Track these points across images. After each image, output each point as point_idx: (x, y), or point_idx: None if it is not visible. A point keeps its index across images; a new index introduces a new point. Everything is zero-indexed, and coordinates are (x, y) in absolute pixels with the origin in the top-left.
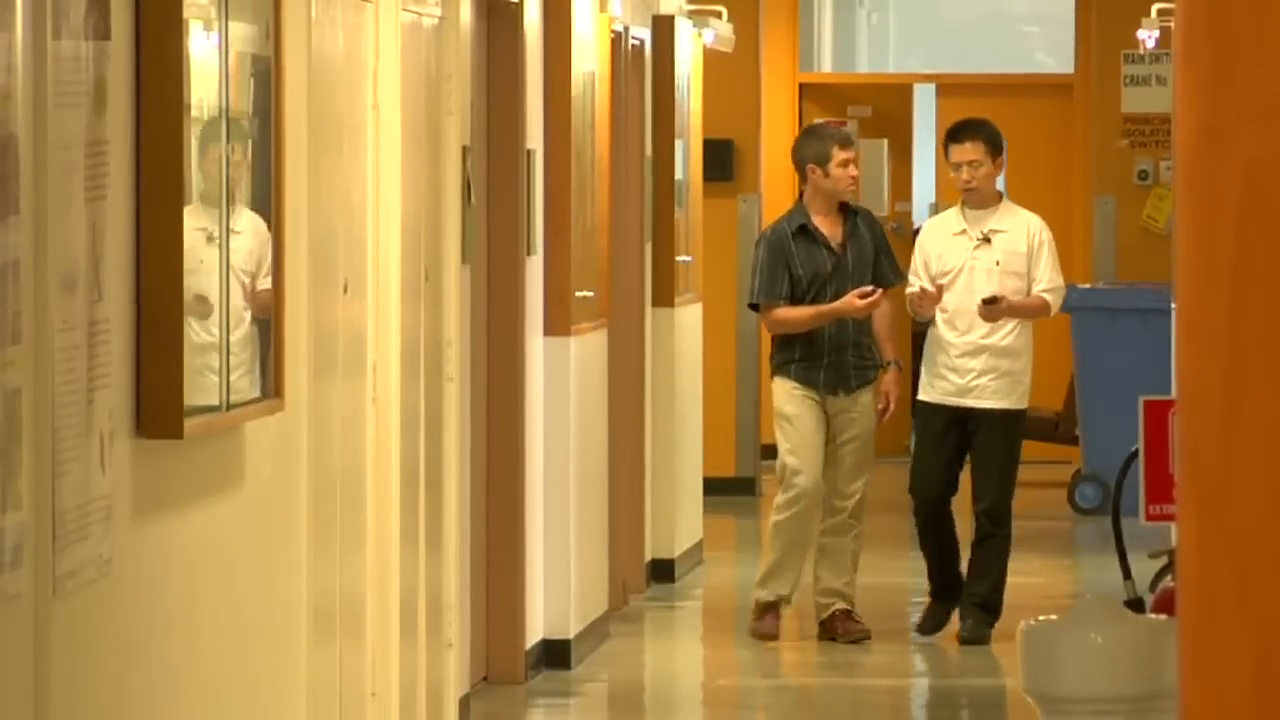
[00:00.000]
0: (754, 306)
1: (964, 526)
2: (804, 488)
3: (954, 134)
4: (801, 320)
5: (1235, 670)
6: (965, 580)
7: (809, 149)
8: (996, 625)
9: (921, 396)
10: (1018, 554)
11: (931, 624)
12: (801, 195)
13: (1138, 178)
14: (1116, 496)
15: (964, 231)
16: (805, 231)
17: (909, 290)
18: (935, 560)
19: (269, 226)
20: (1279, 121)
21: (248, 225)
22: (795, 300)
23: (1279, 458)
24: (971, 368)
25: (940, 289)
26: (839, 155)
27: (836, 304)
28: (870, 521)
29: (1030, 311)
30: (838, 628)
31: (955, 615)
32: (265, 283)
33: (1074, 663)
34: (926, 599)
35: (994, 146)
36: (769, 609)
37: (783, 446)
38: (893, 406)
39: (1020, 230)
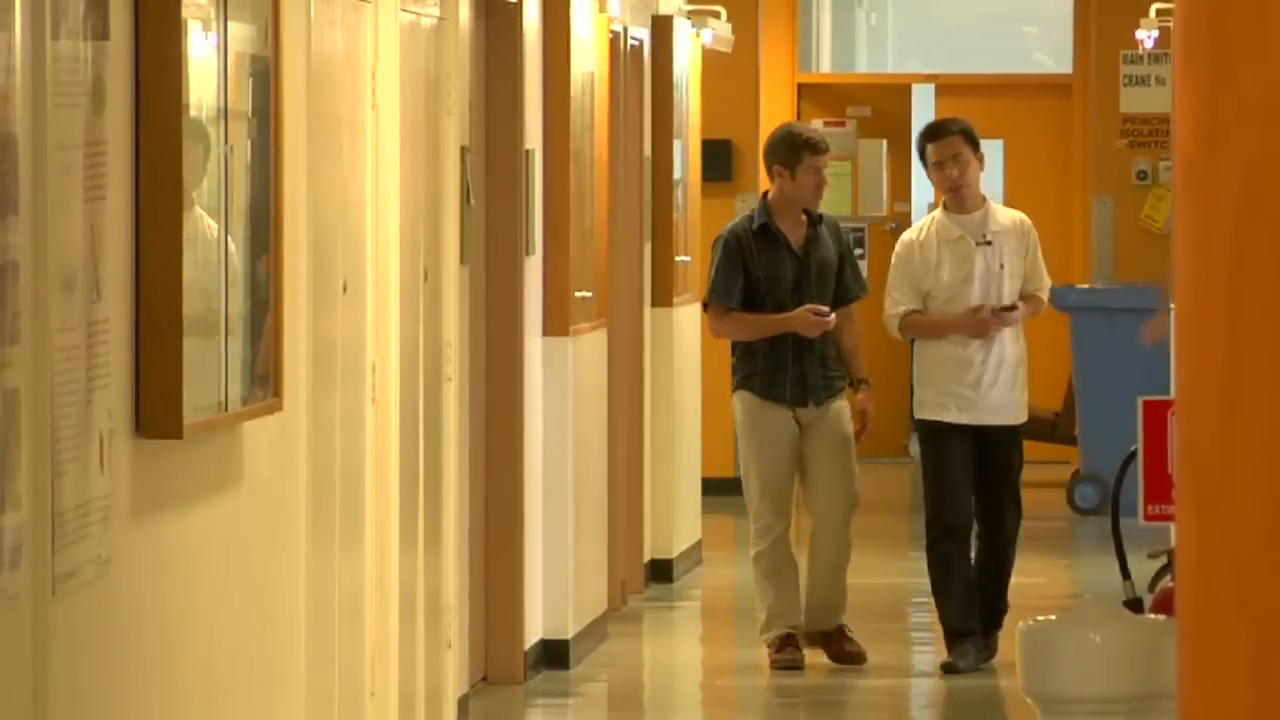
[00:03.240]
0: (705, 307)
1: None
2: (770, 523)
3: (932, 133)
4: (750, 327)
5: (1234, 670)
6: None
7: (778, 150)
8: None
9: (930, 417)
10: (1017, 554)
11: (976, 660)
12: (766, 195)
13: (1136, 178)
14: (1115, 497)
15: (961, 237)
16: (767, 232)
17: (894, 311)
18: (964, 595)
19: (270, 226)
20: (1277, 122)
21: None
22: (754, 304)
23: (1277, 457)
24: (995, 382)
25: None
26: (808, 161)
27: (788, 315)
28: (870, 521)
29: (1031, 315)
30: (833, 647)
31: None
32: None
33: (1073, 663)
34: (939, 633)
35: (974, 142)
36: (785, 641)
37: (749, 483)
38: (869, 426)
39: (1015, 229)
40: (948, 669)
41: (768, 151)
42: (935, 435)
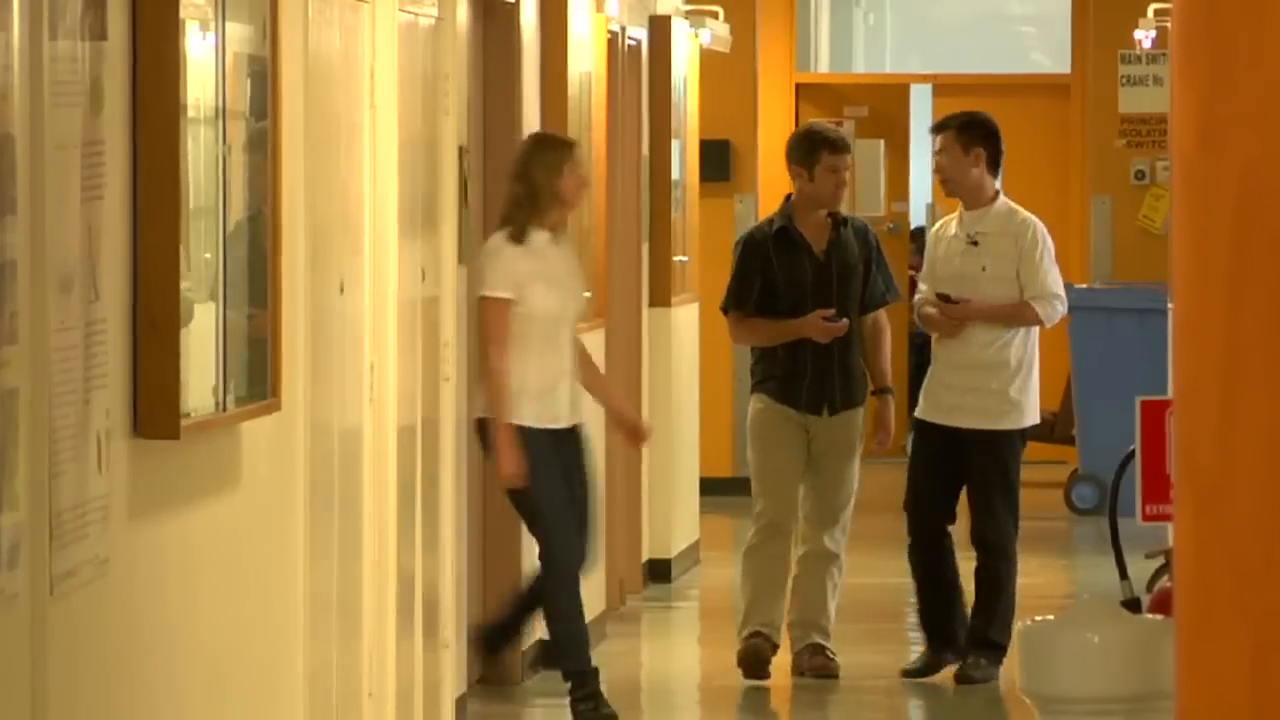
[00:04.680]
0: (726, 310)
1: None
2: (771, 520)
3: (934, 126)
4: (763, 333)
5: (1232, 669)
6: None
7: (796, 149)
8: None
9: (916, 413)
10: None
11: (922, 668)
12: (789, 197)
13: (1134, 178)
14: (1113, 497)
15: (956, 235)
16: (787, 235)
17: (918, 296)
18: (929, 597)
19: (268, 226)
20: (1275, 122)
21: None
22: (772, 308)
23: (1275, 457)
24: (958, 384)
25: (956, 308)
26: (826, 160)
27: (799, 321)
28: (868, 522)
29: (1009, 319)
30: (805, 661)
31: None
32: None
33: (1071, 663)
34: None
35: (967, 137)
36: (753, 647)
37: (754, 476)
38: (889, 438)
39: (1010, 232)
40: (904, 673)
41: (787, 150)
42: (918, 432)
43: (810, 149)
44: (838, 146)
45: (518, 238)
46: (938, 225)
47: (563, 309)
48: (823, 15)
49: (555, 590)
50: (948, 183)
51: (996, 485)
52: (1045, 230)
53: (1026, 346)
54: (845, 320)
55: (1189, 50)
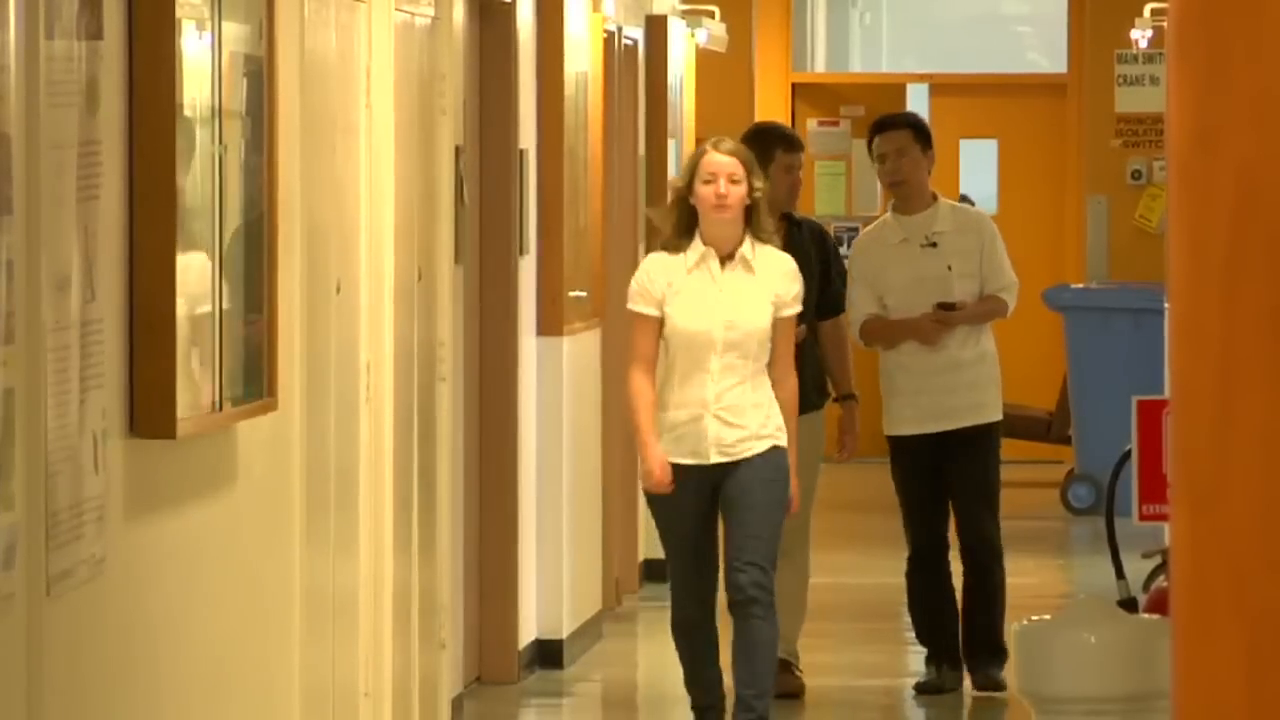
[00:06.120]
0: None
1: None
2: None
3: (880, 125)
4: None
5: (1228, 670)
6: (964, 620)
7: (749, 147)
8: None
9: (894, 432)
10: (1011, 554)
11: (937, 685)
12: None
13: (1131, 177)
14: (1110, 496)
15: (905, 240)
16: None
17: (854, 318)
18: (937, 616)
19: (263, 226)
20: (1272, 122)
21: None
22: None
23: (1272, 457)
24: (942, 386)
25: (956, 315)
26: (781, 159)
27: None
28: (865, 521)
29: (987, 315)
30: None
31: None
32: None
33: (1067, 663)
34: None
35: (922, 137)
36: (782, 682)
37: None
38: (853, 446)
39: (966, 229)
40: (919, 689)
41: None
42: (900, 452)
43: (764, 147)
44: (793, 144)
45: (668, 247)
46: (865, 237)
47: (707, 332)
48: (819, 15)
49: (672, 630)
50: (903, 185)
51: (992, 482)
52: (991, 220)
53: (991, 336)
54: (803, 327)
55: (1185, 50)
